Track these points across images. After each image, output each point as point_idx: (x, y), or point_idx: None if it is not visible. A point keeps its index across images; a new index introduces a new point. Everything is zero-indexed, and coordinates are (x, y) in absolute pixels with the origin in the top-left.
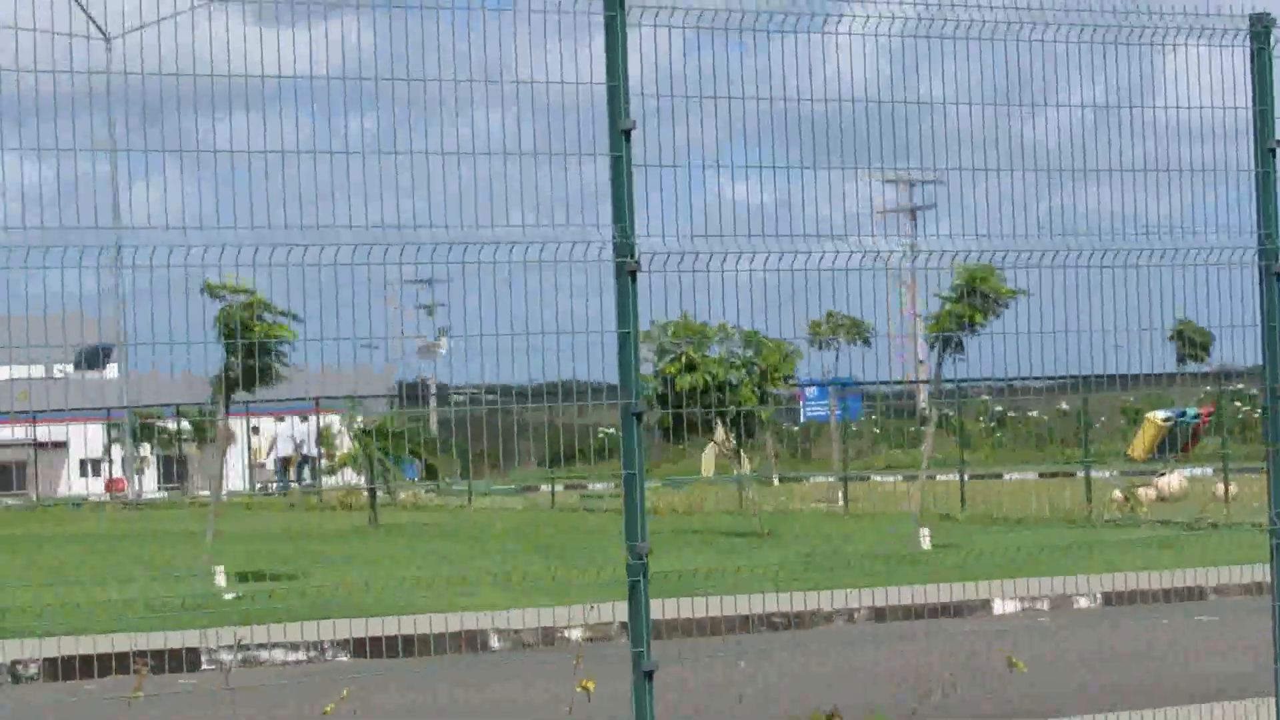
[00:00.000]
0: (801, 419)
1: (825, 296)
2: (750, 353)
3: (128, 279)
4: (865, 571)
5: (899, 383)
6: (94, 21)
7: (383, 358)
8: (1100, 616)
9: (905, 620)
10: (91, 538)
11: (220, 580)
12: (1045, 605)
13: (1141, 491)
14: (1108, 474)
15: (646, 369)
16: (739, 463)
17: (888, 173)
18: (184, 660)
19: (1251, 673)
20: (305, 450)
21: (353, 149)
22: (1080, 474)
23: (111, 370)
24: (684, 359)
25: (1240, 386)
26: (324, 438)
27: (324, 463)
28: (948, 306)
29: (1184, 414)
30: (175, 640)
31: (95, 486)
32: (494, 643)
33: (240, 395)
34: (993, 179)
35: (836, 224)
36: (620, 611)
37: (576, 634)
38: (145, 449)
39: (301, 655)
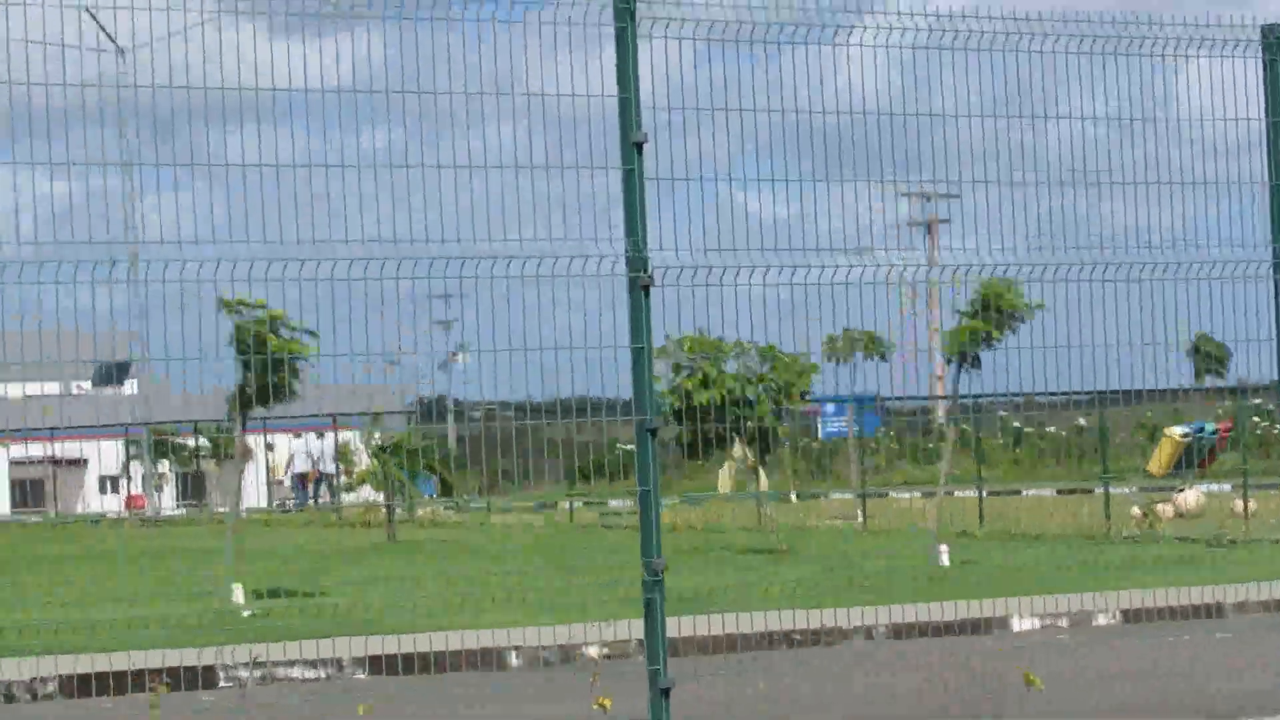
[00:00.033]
0: (820, 435)
1: (840, 310)
2: (767, 368)
3: (143, 294)
4: (883, 589)
5: (916, 398)
6: (108, 34)
7: (396, 375)
8: (1119, 633)
9: (924, 637)
10: (110, 555)
11: (238, 598)
12: (1064, 622)
13: (1159, 508)
14: (1127, 490)
15: (663, 384)
16: (756, 479)
17: (902, 186)
18: (201, 678)
19: (1270, 690)
20: (322, 467)
21: (364, 163)
22: (1098, 490)
23: (129, 386)
24: (701, 374)
25: (1259, 402)
26: (342, 454)
27: (342, 479)
28: (965, 322)
29: (1202, 429)
30: (193, 658)
31: (114, 504)
32: (512, 660)
33: (257, 411)
34: (1006, 192)
35: (850, 237)
36: (639, 629)
37: (594, 651)
38: (164, 466)
39: (319, 672)
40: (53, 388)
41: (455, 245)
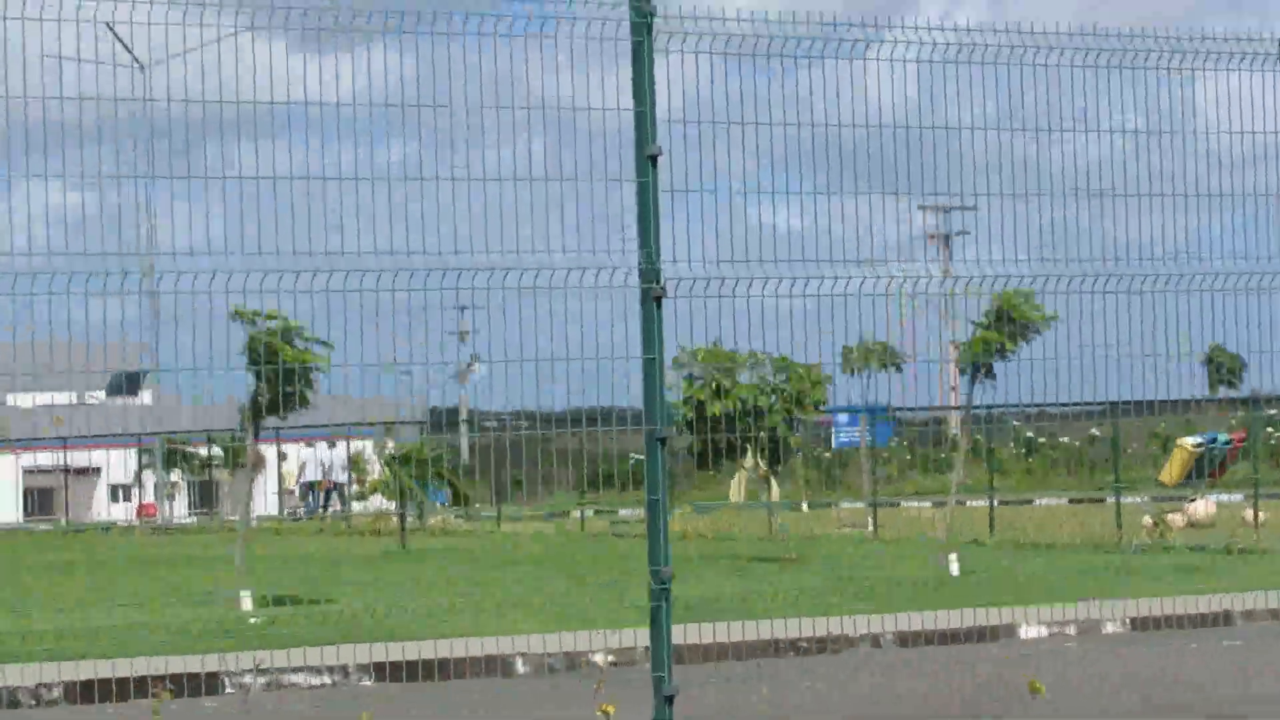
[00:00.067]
0: (833, 445)
1: (853, 322)
2: (781, 378)
3: (164, 304)
4: (891, 597)
5: (928, 409)
6: (128, 49)
7: (409, 386)
8: (1127, 641)
9: (931, 645)
10: (120, 562)
11: (247, 604)
12: (1072, 630)
13: (1170, 518)
14: (1139, 499)
15: (674, 395)
16: (768, 489)
17: (916, 199)
18: (205, 684)
19: (1277, 696)
20: (334, 476)
21: (379, 176)
22: (1110, 499)
23: (144, 396)
24: (714, 385)
25: (1273, 412)
26: (355, 464)
27: (354, 488)
28: (979, 333)
29: (1215, 440)
30: (197, 664)
31: (126, 512)
32: (518, 667)
33: (270, 421)
34: (1021, 204)
35: (865, 250)
36: (645, 636)
37: (601, 658)
38: (176, 474)
39: (325, 679)
40: (62, 398)
41: (469, 257)
